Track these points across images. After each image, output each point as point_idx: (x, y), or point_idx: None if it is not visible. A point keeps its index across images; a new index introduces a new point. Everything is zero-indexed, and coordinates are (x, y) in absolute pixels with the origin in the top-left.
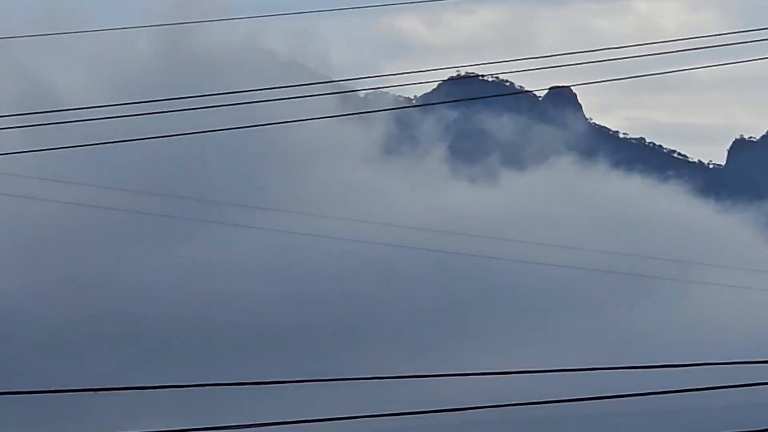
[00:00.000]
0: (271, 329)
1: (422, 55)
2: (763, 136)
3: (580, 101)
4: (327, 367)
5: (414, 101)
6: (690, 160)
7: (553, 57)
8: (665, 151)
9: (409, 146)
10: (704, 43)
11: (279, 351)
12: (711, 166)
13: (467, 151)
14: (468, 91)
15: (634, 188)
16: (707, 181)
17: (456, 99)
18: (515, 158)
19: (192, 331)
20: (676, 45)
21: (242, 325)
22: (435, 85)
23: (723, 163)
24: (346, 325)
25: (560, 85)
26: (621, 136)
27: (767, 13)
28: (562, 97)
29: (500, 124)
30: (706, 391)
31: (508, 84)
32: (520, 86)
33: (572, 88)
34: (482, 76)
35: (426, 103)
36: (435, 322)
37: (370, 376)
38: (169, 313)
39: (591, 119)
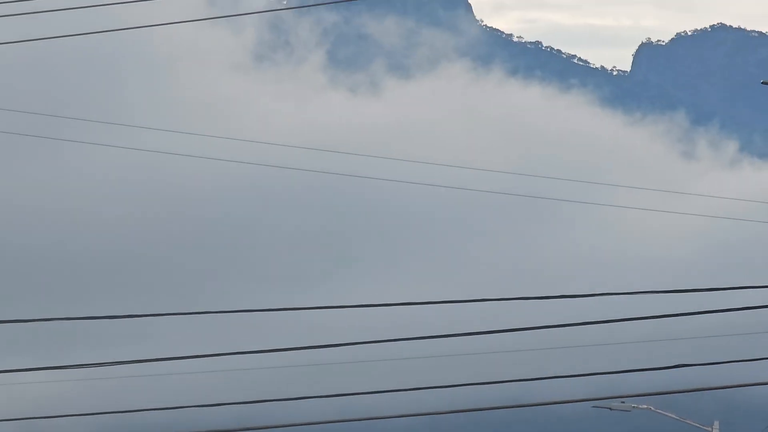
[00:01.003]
0: (133, 258)
1: None
2: (673, 40)
3: (470, 1)
4: (196, 299)
5: (286, 2)
6: (592, 66)
7: None
8: (564, 56)
9: (283, 53)
10: None
11: (143, 282)
12: (615, 73)
13: (347, 58)
14: None
15: (533, 99)
16: (614, 89)
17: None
18: (400, 66)
19: (43, 258)
20: None
21: (100, 253)
22: None
23: (628, 69)
24: (214, 253)
25: None
26: (515, 40)
27: None
28: None
29: (384, 28)
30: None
31: None
32: None
33: None
34: None
35: (302, 5)
36: (313, 250)
37: (240, 308)
38: (16, 238)
39: (482, 21)
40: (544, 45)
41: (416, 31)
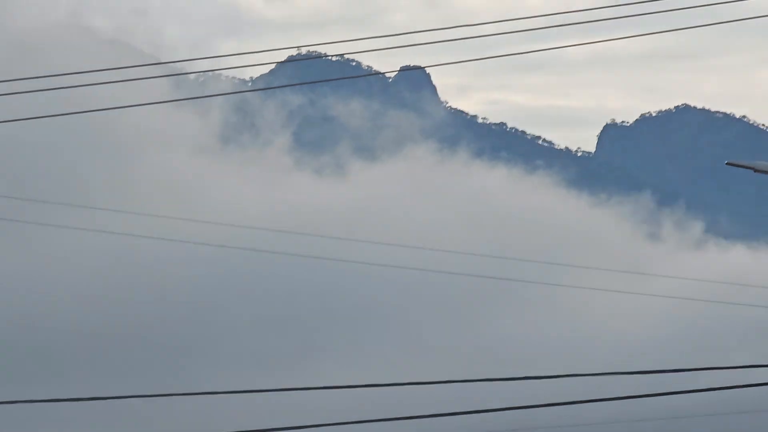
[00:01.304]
0: (95, 340)
1: (261, 32)
2: (637, 121)
3: (434, 83)
4: (157, 380)
5: (250, 84)
6: (556, 147)
7: (405, 35)
8: (529, 137)
9: (249, 135)
10: (571, 20)
11: (105, 364)
12: (580, 154)
13: (313, 140)
14: (310, 73)
15: (499, 180)
16: (579, 171)
17: (299, 82)
18: (366, 148)
19: (5, 340)
20: (540, 21)
21: (62, 336)
22: (273, 65)
23: (593, 150)
24: (177, 335)
25: (412, 65)
26: (480, 121)
27: None
28: (415, 78)
29: (349, 110)
30: (577, 405)
31: (354, 64)
32: (368, 66)
33: (426, 69)
34: (326, 55)
35: (267, 86)
36: (277, 332)
37: (204, 390)
38: None
39: (447, 103)
40: (509, 126)
41: (382, 113)
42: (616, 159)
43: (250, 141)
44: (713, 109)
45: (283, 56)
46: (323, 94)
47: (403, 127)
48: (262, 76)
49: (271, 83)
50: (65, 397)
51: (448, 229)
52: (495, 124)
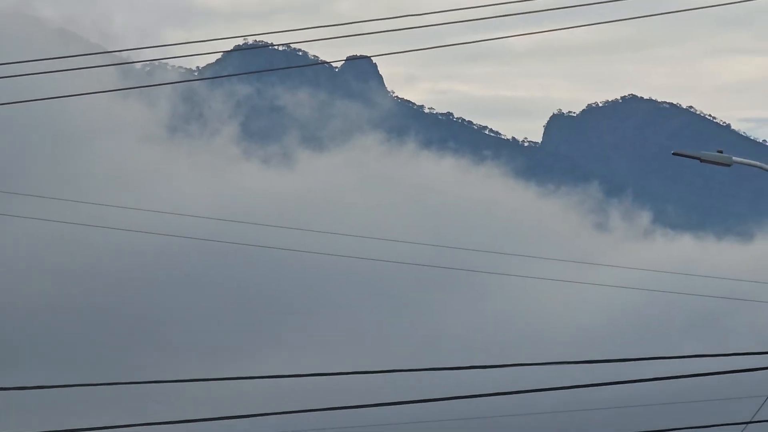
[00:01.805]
0: (39, 331)
1: (207, 21)
2: (584, 111)
3: (381, 73)
4: (104, 369)
5: (197, 73)
6: (503, 137)
7: (351, 24)
8: (475, 127)
9: (197, 125)
10: (518, 9)
11: (49, 351)
12: (527, 145)
13: (260, 130)
14: (257, 62)
15: (447, 170)
16: (527, 161)
17: (246, 71)
18: (314, 138)
19: None
20: (485, 11)
21: (7, 324)
22: (220, 55)
23: (539, 140)
24: (124, 325)
25: (359, 54)
26: (427, 111)
27: None
28: (362, 68)
29: (297, 100)
30: (525, 394)
31: (301, 54)
32: (315, 56)
33: (372, 58)
34: (272, 44)
35: (216, 75)
36: (224, 322)
37: (151, 379)
38: None
39: (393, 93)
40: (455, 116)
41: (329, 103)
42: (563, 149)
43: (197, 131)
44: (659, 99)
45: (229, 46)
46: (270, 84)
47: (351, 117)
48: (209, 65)
49: (218, 73)
50: (7, 386)
51: (396, 219)
52: (442, 114)
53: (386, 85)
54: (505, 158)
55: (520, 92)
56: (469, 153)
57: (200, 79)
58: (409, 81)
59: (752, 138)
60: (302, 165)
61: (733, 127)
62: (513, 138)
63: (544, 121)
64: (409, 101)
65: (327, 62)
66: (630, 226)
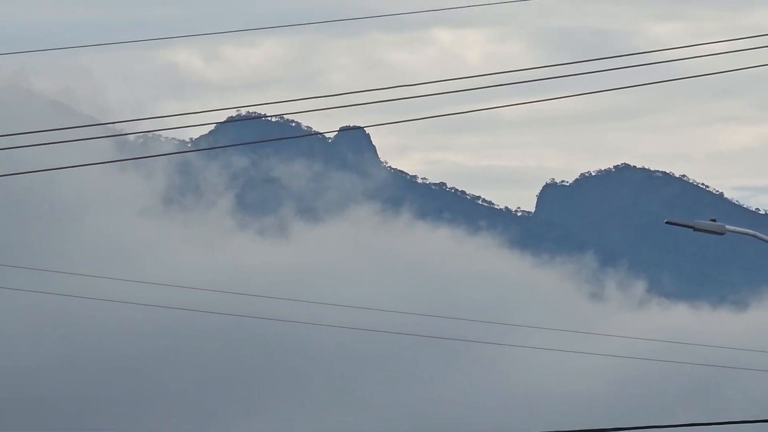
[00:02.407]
0: (38, 402)
1: (201, 92)
2: (577, 180)
3: (374, 143)
4: None
5: (190, 145)
6: (496, 207)
7: (344, 95)
8: (468, 197)
9: (193, 197)
10: (510, 79)
11: (43, 424)
12: (519, 214)
13: (256, 202)
14: (251, 134)
15: (442, 241)
16: (521, 231)
17: (240, 142)
18: (309, 209)
19: None
20: (479, 81)
21: (9, 397)
22: (213, 126)
23: (532, 209)
24: (119, 396)
25: (351, 125)
26: (420, 181)
27: (578, 46)
28: (356, 139)
29: (292, 172)
30: None
31: (294, 125)
32: (308, 127)
33: (365, 129)
34: (265, 116)
35: (210, 146)
36: (219, 393)
37: None
38: None
39: (387, 163)
40: (448, 186)
41: (324, 174)
42: (557, 218)
43: (193, 203)
44: (652, 168)
45: (223, 117)
46: (265, 156)
47: (345, 187)
48: (202, 137)
49: (212, 144)
50: None
51: (391, 290)
52: (435, 184)
53: (380, 156)
54: (500, 228)
55: (513, 162)
56: (464, 223)
57: (194, 151)
58: (402, 151)
59: (746, 207)
60: (297, 236)
61: (726, 196)
62: (506, 208)
63: (537, 191)
64: (402, 171)
65: (320, 133)
66: (625, 295)
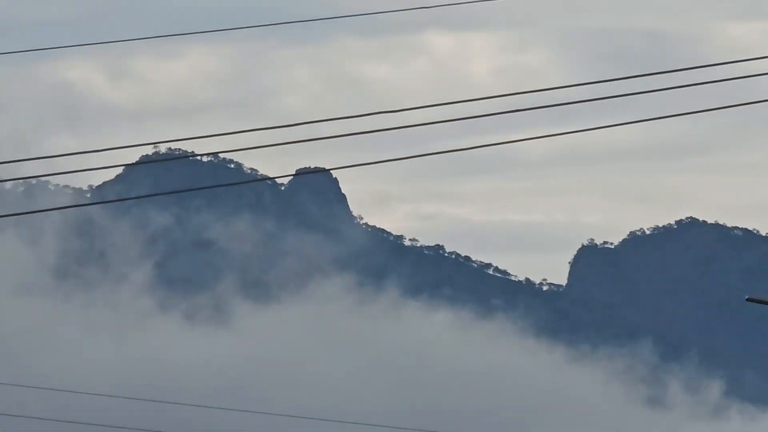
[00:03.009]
0: None
1: (105, 122)
2: (625, 242)
3: (344, 191)
4: None
5: (89, 195)
6: (514, 278)
7: (301, 125)
8: (476, 265)
9: (96, 268)
10: (531, 102)
11: None
12: (546, 288)
13: (183, 275)
14: (174, 179)
15: (442, 328)
16: (549, 312)
17: (158, 191)
18: (257, 284)
19: None
20: (488, 104)
21: None
22: (121, 169)
23: (563, 282)
24: None
25: (312, 166)
26: (408, 243)
27: (624, 55)
28: (319, 186)
29: (232, 232)
30: None
31: (233, 166)
32: (252, 169)
33: (332, 172)
34: (194, 154)
35: (118, 197)
36: None
37: None
38: None
39: (362, 219)
40: (447, 251)
41: (277, 236)
42: (599, 295)
43: (97, 276)
44: (729, 224)
45: (135, 156)
46: (195, 210)
47: (307, 254)
48: (107, 183)
49: (120, 194)
50: None
51: (373, 396)
52: (429, 247)
53: (352, 209)
54: (521, 309)
55: (536, 216)
56: (472, 302)
57: (96, 203)
58: (382, 203)
59: None
60: (241, 322)
61: None
62: (527, 280)
63: (570, 256)
64: (383, 231)
65: (270, 178)
66: (695, 400)
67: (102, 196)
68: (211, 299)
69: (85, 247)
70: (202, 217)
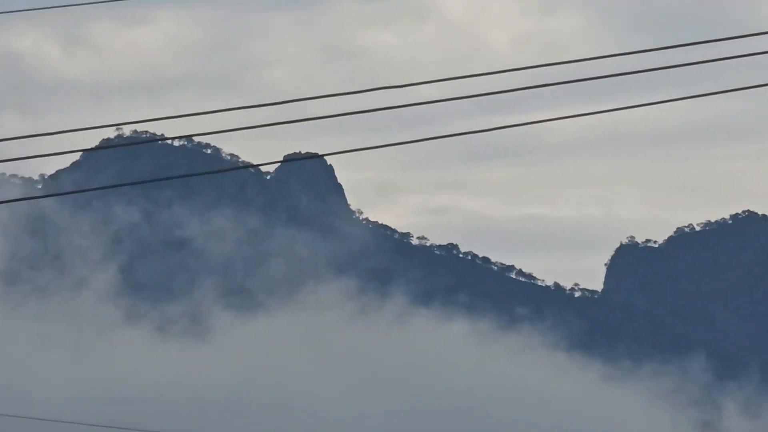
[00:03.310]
0: None
1: (59, 100)
2: (671, 239)
3: (340, 180)
4: None
5: (41, 186)
6: (541, 283)
7: (289, 103)
8: (496, 268)
9: (51, 271)
10: (560, 75)
11: None
12: (578, 295)
13: (153, 279)
14: (142, 167)
15: (458, 340)
16: (585, 322)
17: (123, 181)
18: (239, 290)
19: None
20: (509, 78)
21: None
22: (79, 155)
23: (599, 287)
24: None
25: (303, 152)
26: (416, 242)
27: (668, 21)
28: (310, 174)
29: (210, 229)
30: None
31: (210, 151)
32: (232, 155)
33: (326, 158)
34: (164, 137)
35: (77, 188)
36: None
37: None
38: None
39: (361, 213)
40: (462, 251)
41: (262, 234)
42: (640, 302)
43: (52, 282)
44: None
45: (95, 140)
46: (166, 203)
47: (299, 255)
48: (62, 172)
49: (79, 184)
50: None
51: (377, 423)
52: (440, 247)
53: (349, 202)
54: (550, 318)
55: (565, 210)
56: (492, 311)
57: (49, 196)
58: (385, 194)
59: None
60: (221, 335)
61: None
62: (557, 285)
63: (607, 257)
64: (387, 228)
65: (254, 165)
66: (755, 426)
67: (56, 187)
68: (186, 308)
69: (38, 248)
70: (175, 211)
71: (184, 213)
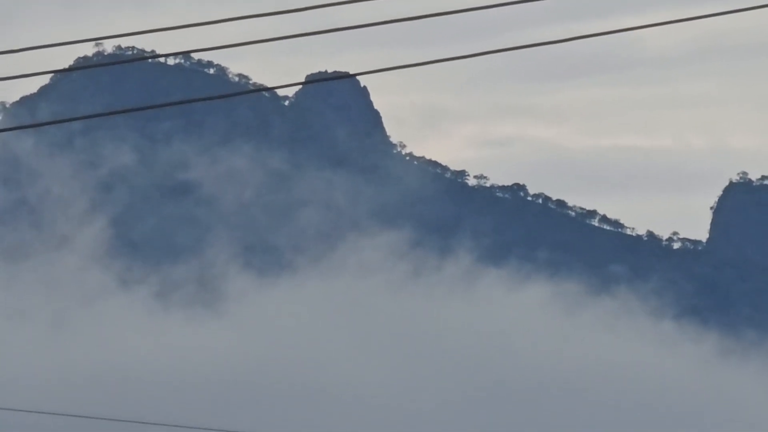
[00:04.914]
0: None
1: (27, 8)
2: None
3: (376, 106)
4: None
5: (2, 115)
6: (631, 233)
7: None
8: (573, 214)
9: (27, 229)
10: None
11: None
12: (678, 246)
13: (150, 236)
14: (130, 91)
15: (534, 305)
16: (690, 281)
17: (108, 110)
18: (259, 247)
19: None
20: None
21: None
22: (49, 78)
23: (704, 237)
24: None
25: (330, 70)
26: (474, 183)
27: None
28: (339, 98)
29: (221, 171)
30: None
31: (213, 71)
32: (241, 75)
33: (358, 78)
34: (156, 54)
35: (53, 119)
36: None
37: None
38: None
39: (404, 147)
40: (531, 193)
41: (286, 177)
42: (755, 255)
43: (26, 241)
44: None
45: (71, 57)
46: (163, 138)
47: (333, 202)
48: (29, 98)
49: (56, 114)
50: None
51: (433, 407)
52: (503, 188)
53: (389, 133)
54: (646, 277)
55: (660, 139)
56: (578, 269)
57: (17, 128)
58: (433, 123)
59: None
60: (236, 303)
61: None
62: (650, 233)
63: (713, 199)
64: (437, 164)
65: (268, 88)
66: None
67: (19, 117)
68: (193, 271)
69: (10, 199)
70: (176, 149)
71: (187, 151)
